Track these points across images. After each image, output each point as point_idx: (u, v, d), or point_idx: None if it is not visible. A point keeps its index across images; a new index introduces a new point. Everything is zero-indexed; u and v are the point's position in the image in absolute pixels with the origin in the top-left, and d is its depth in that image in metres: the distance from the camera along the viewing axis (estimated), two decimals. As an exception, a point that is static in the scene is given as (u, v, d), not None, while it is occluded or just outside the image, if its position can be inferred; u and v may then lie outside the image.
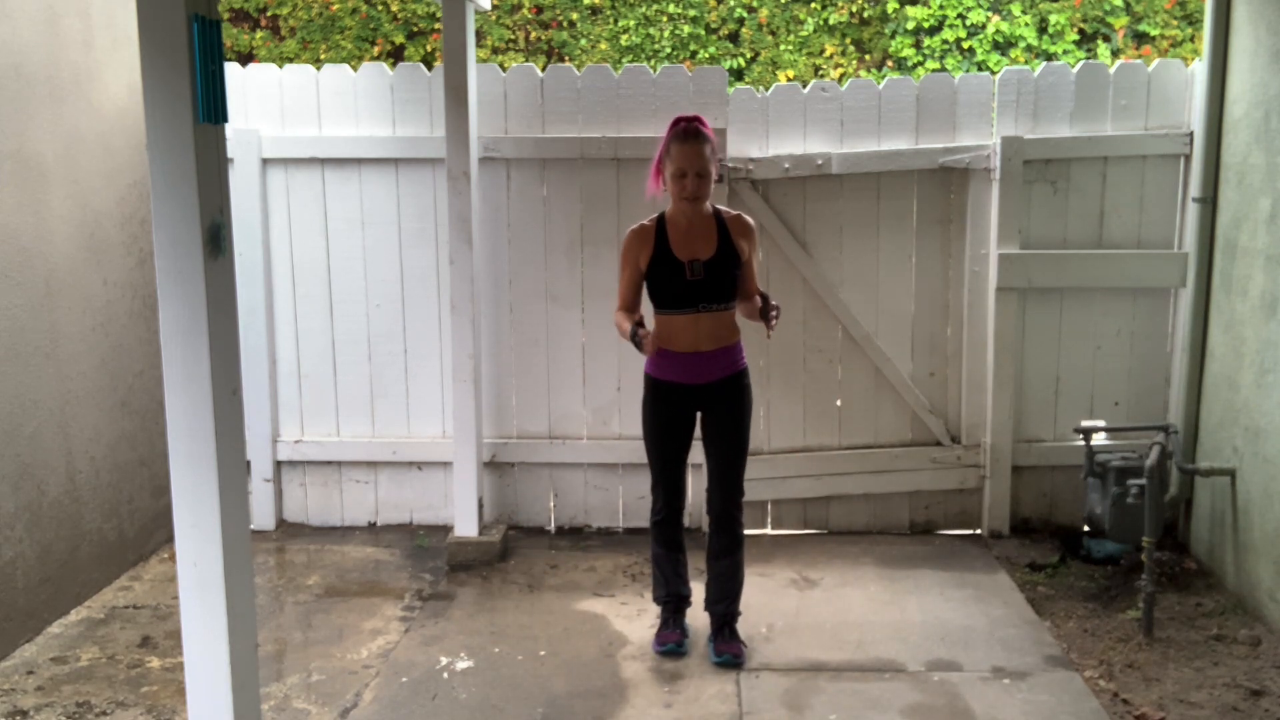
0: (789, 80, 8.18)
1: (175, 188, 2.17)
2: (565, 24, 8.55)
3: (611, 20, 8.54)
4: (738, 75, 8.39)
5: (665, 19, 8.46)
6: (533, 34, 8.60)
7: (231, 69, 4.79)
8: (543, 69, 5.05)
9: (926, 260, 4.85)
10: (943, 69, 8.08)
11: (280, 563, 4.71)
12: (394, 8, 8.52)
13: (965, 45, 8.17)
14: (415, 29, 8.58)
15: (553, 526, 5.07)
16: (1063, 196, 4.77)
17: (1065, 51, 8.07)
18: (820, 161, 4.71)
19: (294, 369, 5.02)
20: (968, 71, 7.98)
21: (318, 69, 4.87)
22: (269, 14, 8.62)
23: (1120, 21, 8.12)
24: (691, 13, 8.43)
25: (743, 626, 3.85)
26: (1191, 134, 4.63)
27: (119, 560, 4.51)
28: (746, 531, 3.86)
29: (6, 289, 3.80)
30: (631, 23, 8.47)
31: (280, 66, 4.90)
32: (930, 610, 4.13)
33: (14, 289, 3.84)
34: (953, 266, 4.85)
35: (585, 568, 4.61)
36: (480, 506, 4.72)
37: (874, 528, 5.00)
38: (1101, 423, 4.70)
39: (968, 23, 8.15)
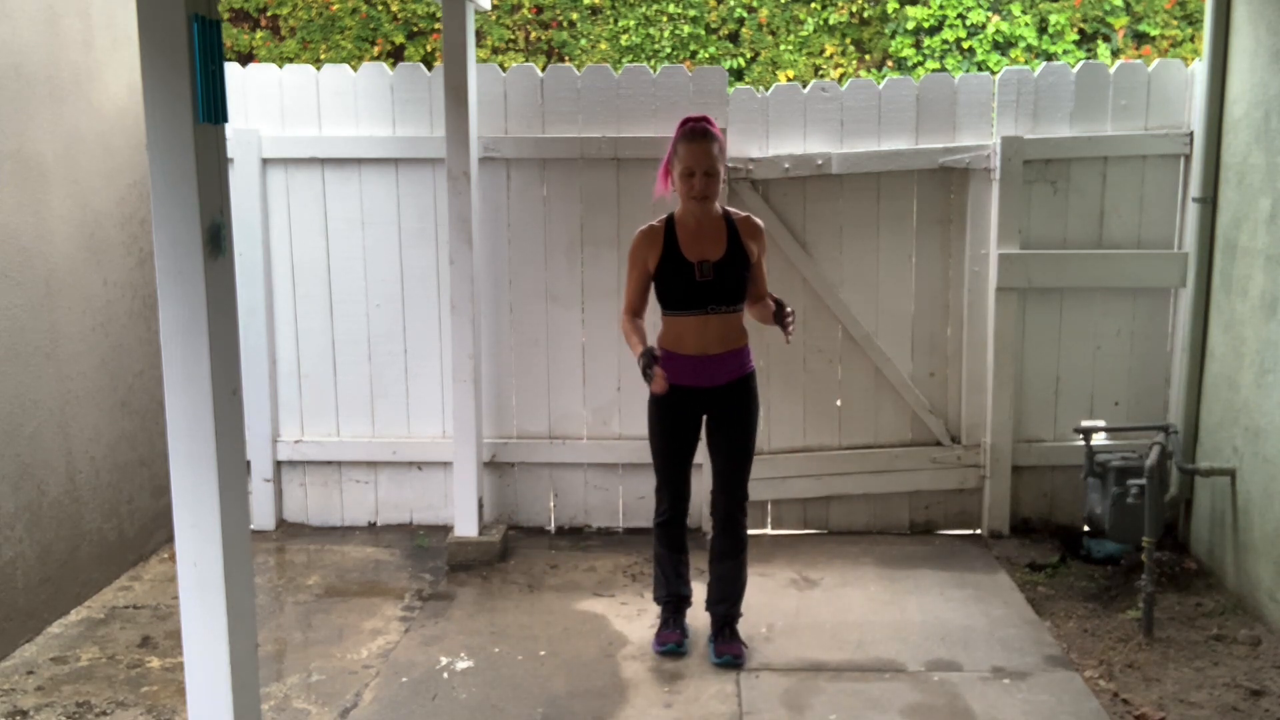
0: (789, 80, 8.18)
1: (175, 188, 2.17)
2: (565, 24, 8.55)
3: (611, 20, 8.54)
4: (738, 75, 8.40)
5: (665, 19, 8.46)
6: (533, 34, 8.60)
7: (231, 69, 4.79)
8: (543, 69, 5.06)
9: (926, 260, 4.85)
10: (943, 69, 8.08)
11: (280, 563, 4.71)
12: (394, 8, 8.52)
13: (965, 45, 8.17)
14: (415, 29, 8.58)
15: (553, 526, 5.07)
16: (1063, 196, 4.77)
17: (1065, 51, 8.07)
18: (820, 161, 4.71)
19: (294, 369, 5.02)
20: (968, 71, 7.98)
21: (318, 69, 4.87)
22: (269, 14, 8.62)
23: (1120, 21, 8.12)
24: (691, 13, 8.43)
25: (743, 626, 3.85)
26: (1191, 134, 4.63)
27: (119, 560, 4.51)
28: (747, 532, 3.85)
29: (6, 289, 3.80)
30: (631, 23, 8.47)
31: (280, 66, 4.90)
32: (930, 610, 4.13)
33: (14, 289, 3.84)
34: (953, 266, 4.85)
35: (585, 568, 4.61)
36: (480, 506, 4.72)
37: (874, 528, 5.00)
38: (1101, 423, 4.70)
39: (968, 23, 8.15)
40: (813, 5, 8.41)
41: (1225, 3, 4.37)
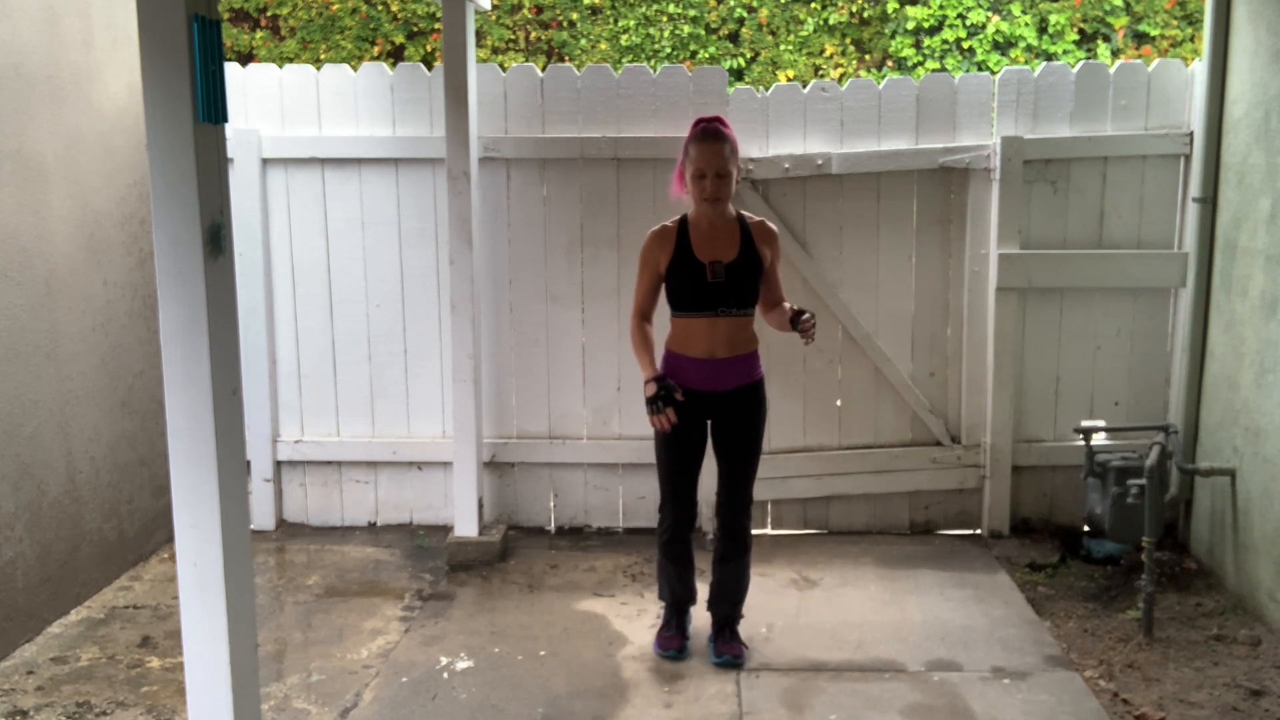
0: (789, 80, 8.18)
1: (175, 188, 2.17)
2: (565, 24, 8.55)
3: (611, 20, 8.54)
4: (738, 75, 8.40)
5: (665, 19, 8.47)
6: (533, 34, 8.60)
7: (231, 69, 4.79)
8: (543, 69, 5.06)
9: (926, 260, 4.85)
10: (943, 69, 8.08)
11: (280, 563, 4.71)
12: (394, 8, 8.52)
13: (965, 45, 8.17)
14: (415, 29, 8.59)
15: (553, 526, 5.07)
16: (1063, 196, 4.77)
17: (1065, 51, 8.07)
18: (820, 161, 4.71)
19: (294, 369, 5.02)
20: (968, 71, 7.98)
21: (318, 69, 4.87)
22: (269, 14, 8.62)
23: (1120, 21, 8.12)
24: (691, 13, 8.43)
25: (743, 626, 3.86)
26: (1191, 134, 4.63)
27: (119, 560, 4.51)
28: (746, 532, 3.85)
29: (6, 289, 3.80)
30: (631, 23, 8.47)
31: (280, 66, 4.90)
32: (930, 610, 4.13)
33: (14, 289, 3.84)
34: (953, 266, 4.85)
35: (585, 568, 4.61)
36: (480, 506, 4.72)
37: (874, 528, 5.00)
38: (1101, 423, 4.70)
39: (968, 23, 8.15)
40: (813, 5, 8.41)
41: (1225, 3, 4.37)
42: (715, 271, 3.49)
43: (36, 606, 3.96)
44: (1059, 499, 4.95)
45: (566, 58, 8.50)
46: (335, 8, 8.51)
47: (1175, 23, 8.13)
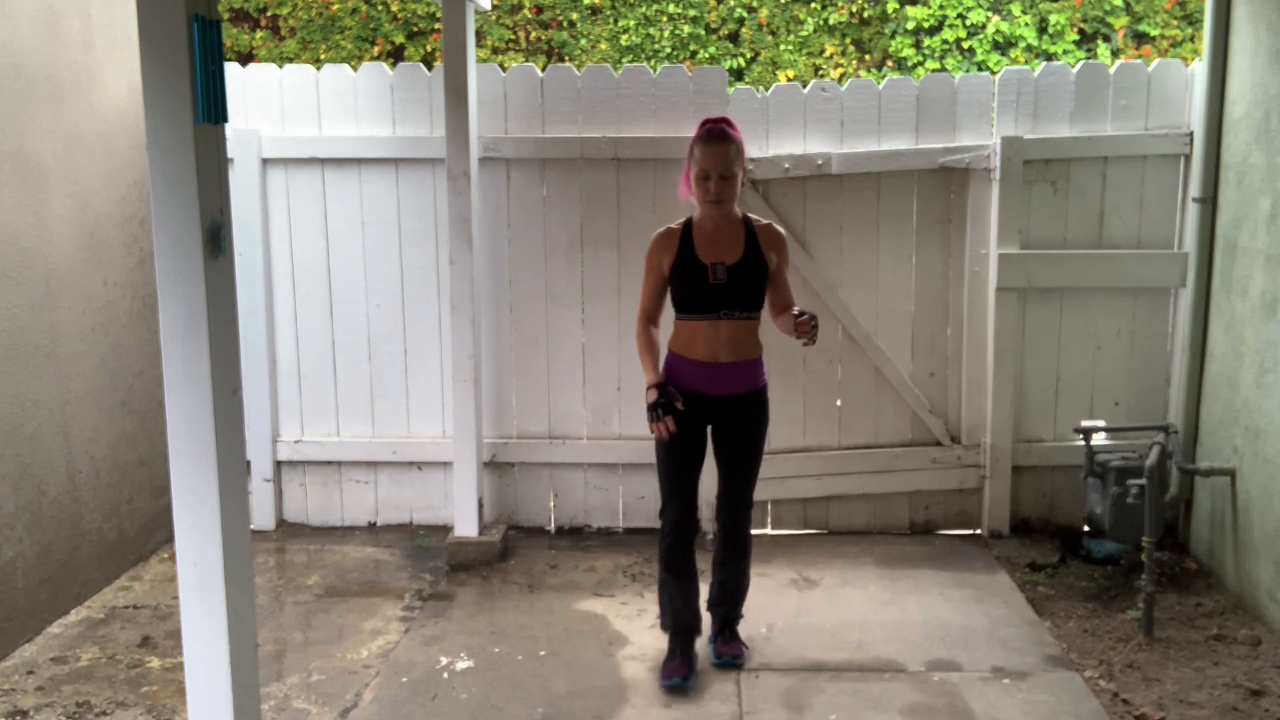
0: (789, 80, 8.18)
1: (175, 188, 2.17)
2: (565, 24, 8.55)
3: (611, 20, 8.54)
4: (738, 75, 8.40)
5: (665, 19, 8.46)
6: (533, 34, 8.60)
7: (231, 69, 4.79)
8: (543, 69, 5.06)
9: (926, 260, 4.85)
10: (943, 69, 8.08)
11: (280, 563, 4.71)
12: (394, 8, 8.52)
13: (965, 45, 8.17)
14: (415, 29, 8.58)
15: (553, 526, 5.07)
16: (1063, 196, 4.77)
17: (1065, 51, 8.07)
18: (820, 161, 4.71)
19: (294, 369, 5.02)
20: (968, 71, 7.98)
21: (318, 69, 4.87)
22: (269, 14, 8.62)
23: (1120, 21, 8.12)
24: (691, 13, 8.43)
25: (743, 626, 3.85)
26: (1191, 134, 4.63)
27: (119, 560, 4.51)
28: (746, 532, 3.84)
29: (6, 289, 3.80)
30: (631, 23, 8.47)
31: (280, 66, 4.90)
32: (930, 610, 4.13)
33: (14, 289, 3.84)
34: (953, 266, 4.85)
35: (585, 568, 4.61)
36: (480, 506, 4.72)
37: (874, 528, 5.00)
38: (1101, 423, 4.70)
39: (968, 23, 8.15)
40: (813, 5, 8.41)
41: (1225, 3, 4.37)
42: (717, 273, 3.44)
43: (36, 606, 3.96)
44: (1059, 499, 4.95)
45: (566, 58, 8.50)
46: (335, 8, 8.51)
47: (1175, 23, 8.13)
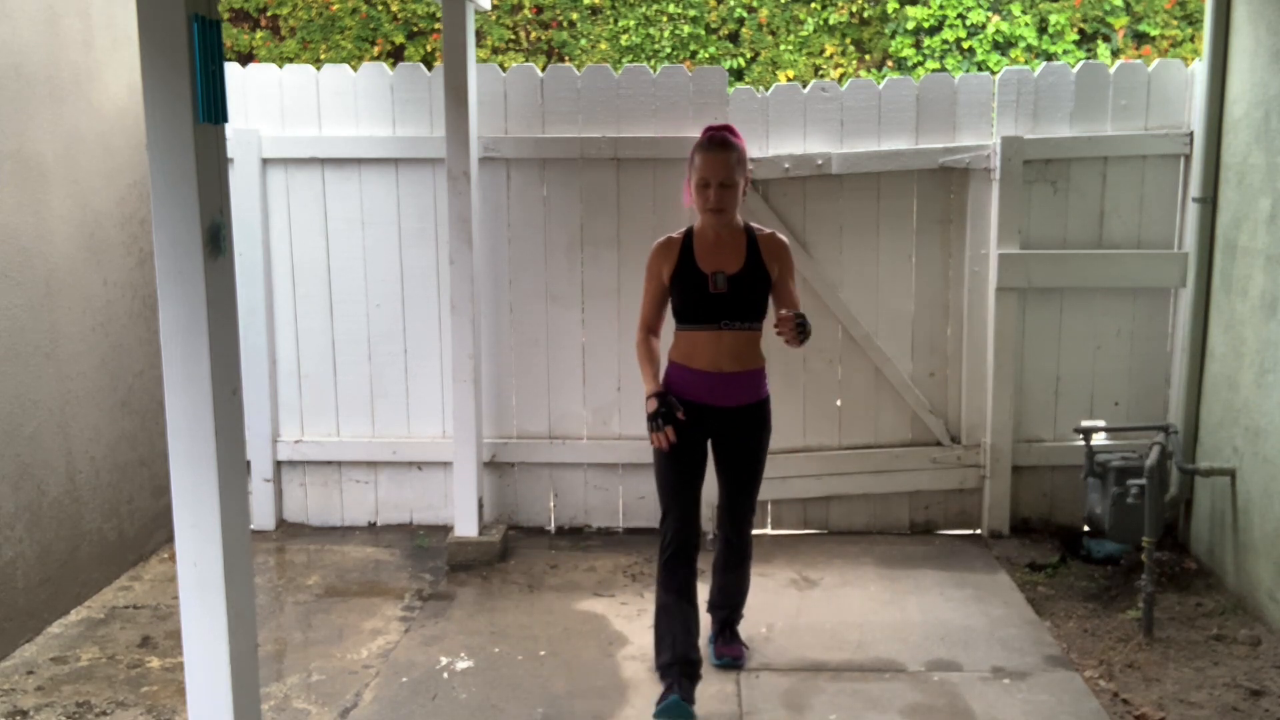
0: (789, 80, 8.18)
1: (175, 188, 2.17)
2: (565, 24, 8.55)
3: (611, 20, 8.54)
4: (738, 75, 8.40)
5: (665, 19, 8.46)
6: (533, 34, 8.60)
7: (231, 69, 4.79)
8: (543, 69, 5.06)
9: (926, 260, 4.85)
10: (943, 69, 8.08)
11: (280, 563, 4.71)
12: (394, 8, 8.52)
13: (965, 45, 8.17)
14: (415, 29, 8.58)
15: (553, 526, 5.07)
16: (1063, 196, 4.77)
17: (1065, 51, 8.07)
18: (820, 161, 4.71)
19: (294, 369, 5.02)
20: (968, 71, 7.98)
21: (318, 69, 4.87)
22: (269, 14, 8.62)
23: (1120, 21, 8.12)
24: (691, 13, 8.43)
25: (743, 626, 3.85)
26: (1191, 134, 4.63)
27: (119, 560, 4.51)
28: (746, 532, 3.82)
29: (6, 289, 3.80)
30: (631, 23, 8.47)
31: (280, 66, 4.90)
32: (930, 610, 4.13)
33: (14, 289, 3.84)
34: (953, 266, 4.86)
35: (585, 568, 4.61)
36: (480, 506, 4.72)
37: (874, 528, 5.00)
38: (1101, 423, 4.70)
39: (968, 23, 8.15)
40: (813, 5, 8.41)
41: (1225, 3, 4.37)
42: (717, 282, 3.38)
43: (36, 606, 3.96)
44: (1059, 499, 4.95)
45: (566, 58, 8.50)
46: (335, 8, 8.51)
47: (1175, 23, 8.13)
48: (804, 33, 8.39)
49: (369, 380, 5.03)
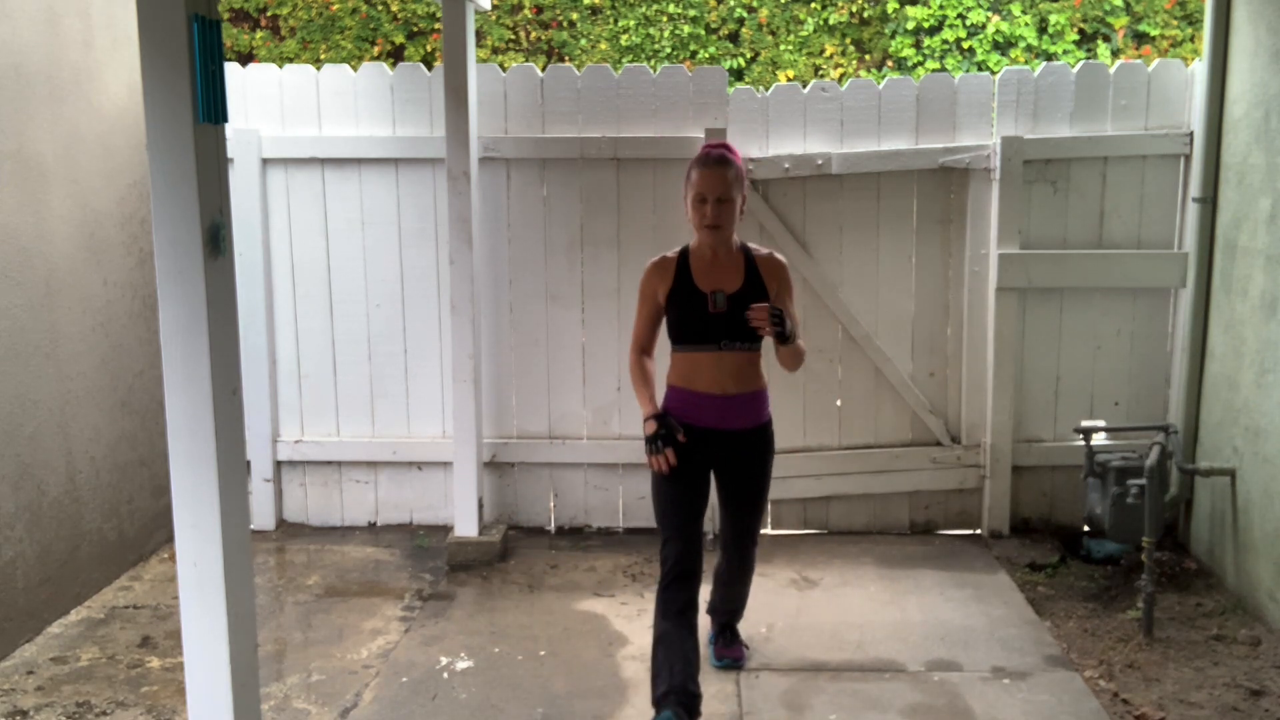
0: (789, 80, 8.18)
1: (175, 188, 2.17)
2: (565, 24, 8.55)
3: (611, 20, 8.54)
4: (738, 75, 8.40)
5: (665, 19, 8.46)
6: (533, 34, 8.60)
7: (231, 69, 4.79)
8: (543, 69, 5.06)
9: (926, 260, 4.85)
10: (943, 69, 8.08)
11: (280, 563, 4.71)
12: (394, 8, 8.52)
13: (965, 45, 8.17)
14: (415, 29, 8.58)
15: (553, 526, 5.07)
16: (1063, 196, 4.77)
17: (1065, 51, 8.07)
18: (820, 161, 4.71)
19: (294, 369, 5.02)
20: (968, 71, 7.98)
21: (318, 69, 4.87)
22: (269, 14, 8.62)
23: (1120, 21, 8.12)
24: (691, 13, 8.43)
25: (743, 626, 3.85)
26: (1191, 134, 4.63)
27: (119, 560, 4.51)
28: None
29: (6, 289, 3.80)
30: (631, 23, 8.47)
31: (280, 66, 4.90)
32: (930, 610, 4.13)
33: (14, 289, 3.84)
34: (953, 266, 4.85)
35: (585, 568, 4.61)
36: (480, 506, 4.72)
37: (874, 528, 5.00)
38: (1101, 423, 4.70)
39: (968, 23, 8.15)
40: (813, 5, 8.41)
41: (1225, 3, 4.37)
42: (717, 302, 3.29)
43: (36, 606, 3.96)
44: (1059, 499, 4.95)
45: (566, 58, 8.50)
46: (335, 8, 8.51)
47: (1175, 23, 8.13)
48: (804, 33, 8.39)
49: (369, 380, 5.03)
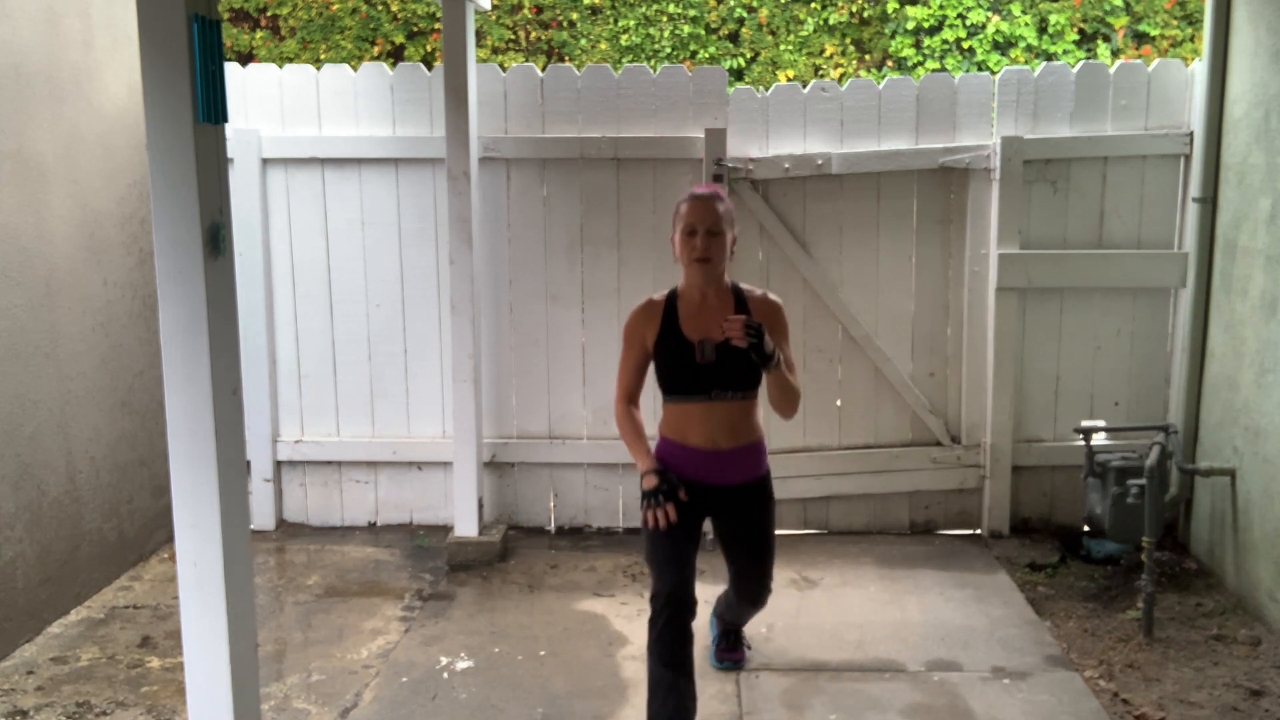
0: (789, 80, 8.18)
1: (175, 188, 2.16)
2: (565, 24, 8.55)
3: (611, 20, 8.54)
4: (738, 75, 8.40)
5: (665, 19, 8.46)
6: (533, 34, 8.60)
7: (231, 69, 4.79)
8: (543, 69, 5.05)
9: (926, 260, 4.85)
10: (943, 69, 8.08)
11: (280, 563, 4.71)
12: (394, 8, 8.52)
13: (965, 45, 8.17)
14: (415, 29, 8.58)
15: (553, 526, 5.07)
16: (1063, 196, 4.77)
17: (1065, 51, 8.07)
18: (820, 161, 4.71)
19: (294, 369, 5.02)
20: (968, 71, 7.98)
21: (318, 69, 4.87)
22: (269, 14, 8.62)
23: (1120, 21, 8.12)
24: (691, 13, 8.43)
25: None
26: (1191, 134, 4.63)
27: (119, 560, 4.51)
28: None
29: (6, 289, 3.80)
30: (631, 23, 8.47)
31: (280, 66, 4.90)
32: (930, 610, 4.13)
33: (14, 289, 3.84)
34: (953, 266, 4.85)
35: (585, 568, 4.61)
36: (480, 506, 4.72)
37: (874, 528, 5.00)
38: (1101, 423, 4.70)
39: (968, 23, 8.15)
40: (813, 5, 8.41)
41: (1225, 3, 4.37)
42: (704, 352, 3.10)
43: (36, 606, 3.96)
44: (1059, 499, 4.95)
45: (566, 58, 8.50)
46: (335, 8, 8.51)
47: (1175, 23, 8.13)
48: (804, 33, 8.39)
49: (369, 380, 5.03)
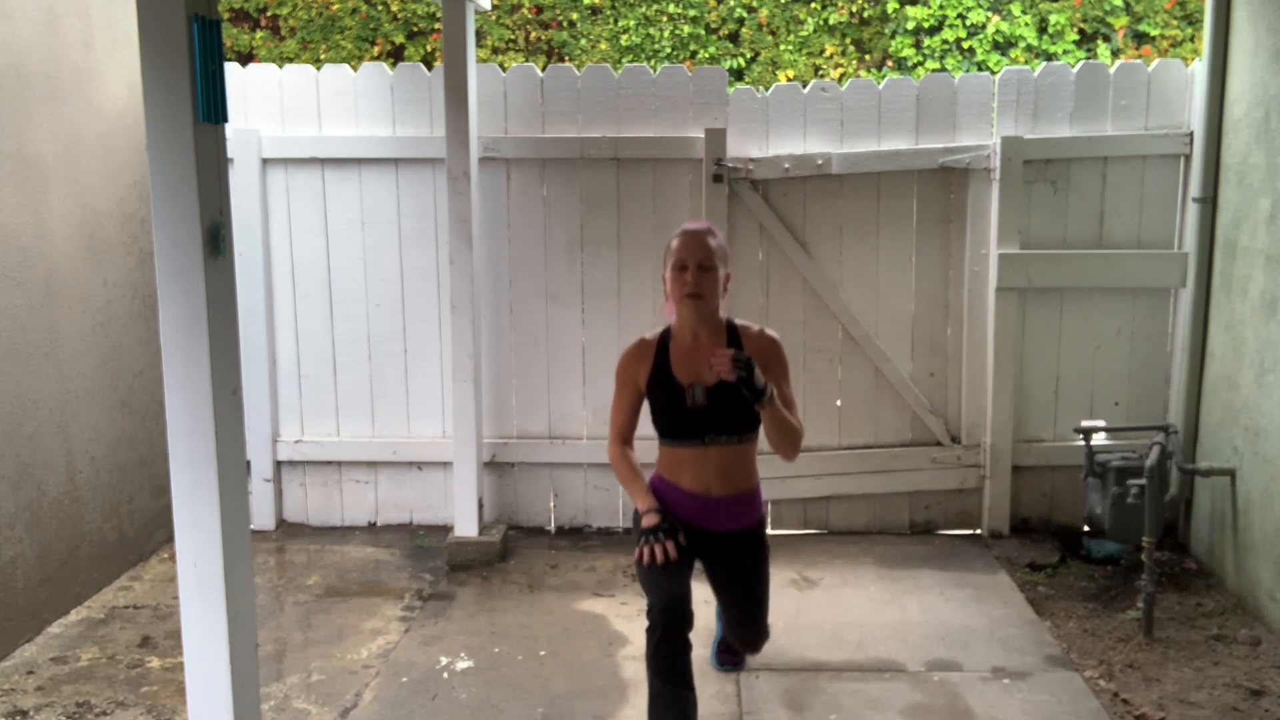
0: (789, 80, 8.18)
1: (175, 188, 2.16)
2: (565, 24, 8.55)
3: (611, 20, 8.54)
4: (738, 75, 8.40)
5: (665, 19, 8.46)
6: (533, 34, 8.60)
7: (231, 69, 4.79)
8: (543, 69, 5.05)
9: (926, 260, 4.85)
10: (943, 69, 8.08)
11: (280, 563, 4.71)
12: (394, 8, 8.52)
13: (965, 45, 8.17)
14: (415, 29, 8.59)
15: (553, 526, 5.07)
16: (1063, 196, 4.77)
17: (1065, 51, 8.07)
18: (820, 161, 4.71)
19: (294, 369, 5.02)
20: (968, 71, 7.98)
21: (318, 69, 4.87)
22: (269, 14, 8.62)
23: (1120, 21, 8.12)
24: (691, 13, 8.43)
25: (743, 626, 3.84)
26: (1191, 134, 4.63)
27: (119, 560, 4.51)
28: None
29: (6, 289, 3.80)
30: (631, 23, 8.47)
31: (280, 66, 4.90)
32: (930, 610, 4.13)
33: (14, 289, 3.84)
34: (953, 266, 4.85)
35: (585, 568, 4.61)
36: (480, 506, 4.72)
37: (874, 528, 5.00)
38: (1101, 423, 4.70)
39: (968, 23, 8.15)
40: (813, 5, 8.41)
41: (1225, 3, 4.37)
42: (695, 396, 3.01)
43: (36, 606, 3.96)
44: (1059, 499, 4.95)
45: (566, 58, 8.50)
46: (335, 8, 8.51)
47: (1175, 23, 8.13)
48: (804, 33, 8.39)
49: (369, 380, 5.03)
